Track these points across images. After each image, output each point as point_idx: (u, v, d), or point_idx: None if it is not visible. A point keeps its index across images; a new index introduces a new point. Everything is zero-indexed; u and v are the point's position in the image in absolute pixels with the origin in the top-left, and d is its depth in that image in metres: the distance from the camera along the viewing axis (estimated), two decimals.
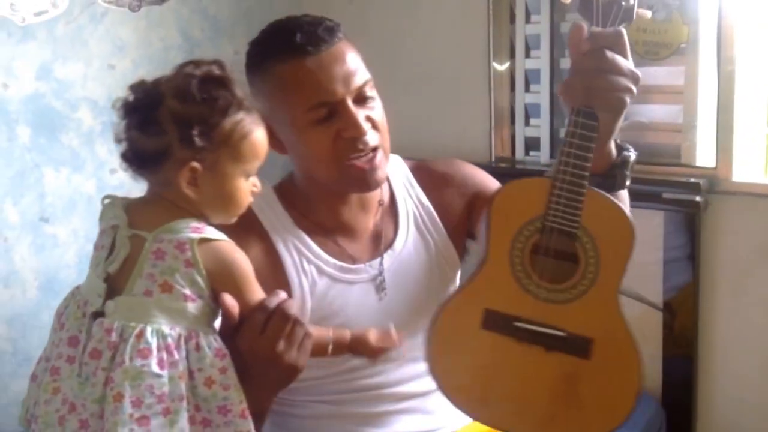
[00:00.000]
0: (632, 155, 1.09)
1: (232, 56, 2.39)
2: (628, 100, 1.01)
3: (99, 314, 0.99)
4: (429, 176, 1.36)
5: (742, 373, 2.00)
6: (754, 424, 1.99)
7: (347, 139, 1.15)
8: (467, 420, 1.33)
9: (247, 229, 1.21)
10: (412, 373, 1.24)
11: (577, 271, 0.99)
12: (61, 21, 1.96)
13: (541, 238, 1.02)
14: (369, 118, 1.16)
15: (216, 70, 1.00)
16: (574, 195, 1.01)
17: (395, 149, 1.40)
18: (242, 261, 1.03)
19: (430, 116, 2.42)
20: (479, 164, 1.89)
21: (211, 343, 0.99)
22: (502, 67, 2.30)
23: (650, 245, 1.98)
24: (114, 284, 1.00)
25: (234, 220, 1.07)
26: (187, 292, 0.99)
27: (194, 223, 1.01)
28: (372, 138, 1.16)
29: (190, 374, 0.97)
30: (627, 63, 1.01)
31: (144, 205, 1.05)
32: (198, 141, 0.97)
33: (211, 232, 1.02)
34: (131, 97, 1.00)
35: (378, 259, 1.25)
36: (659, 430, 1.98)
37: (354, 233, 1.27)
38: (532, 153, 2.30)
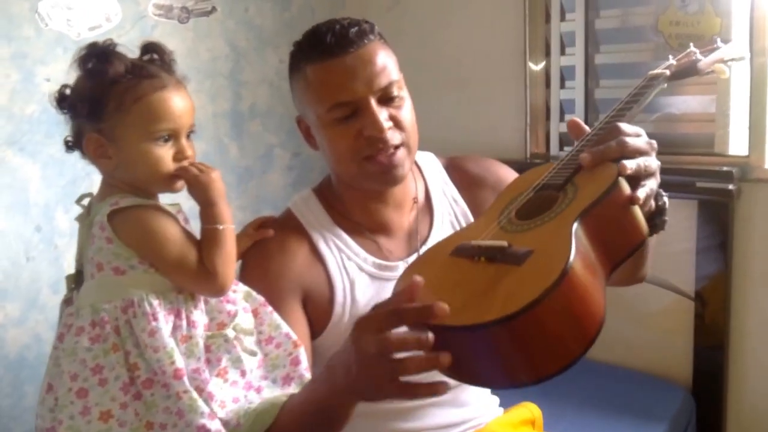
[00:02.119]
0: (666, 200, 1.09)
1: (278, 65, 2.46)
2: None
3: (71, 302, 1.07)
4: (463, 176, 1.38)
5: None
6: None
7: (368, 137, 1.17)
8: (498, 412, 1.35)
9: (289, 230, 1.26)
10: None
11: (550, 210, 0.98)
12: (113, 35, 2.01)
13: (533, 194, 1.04)
14: (392, 117, 1.19)
15: (100, 47, 1.06)
16: (574, 163, 1.03)
17: (433, 146, 1.43)
18: (154, 223, 1.04)
19: (467, 114, 2.43)
20: (515, 160, 1.93)
21: (145, 309, 1.01)
22: (537, 67, 2.31)
23: (682, 234, 1.97)
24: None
25: (174, 188, 1.08)
26: (115, 265, 1.03)
27: (114, 199, 1.04)
28: (393, 137, 1.19)
29: (137, 340, 1.01)
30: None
31: (97, 193, 1.11)
32: (91, 113, 1.02)
33: (126, 202, 1.04)
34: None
35: (414, 255, 1.26)
36: (689, 419, 1.96)
37: (390, 231, 1.29)
38: (566, 148, 2.30)
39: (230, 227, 1.08)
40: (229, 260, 1.06)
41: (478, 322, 0.82)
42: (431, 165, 1.39)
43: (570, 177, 1.01)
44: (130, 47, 1.10)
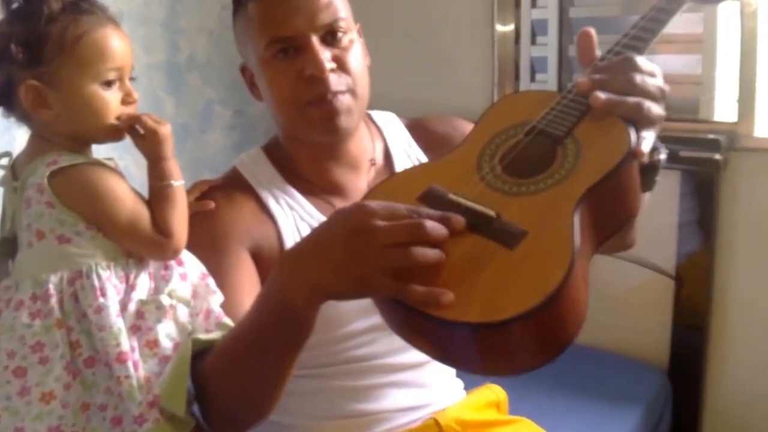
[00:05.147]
0: (663, 157, 1.02)
1: (219, 11, 2.34)
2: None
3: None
4: (427, 135, 1.34)
5: (756, 344, 1.93)
6: (766, 398, 1.93)
7: (308, 78, 1.12)
8: (461, 395, 1.32)
9: (235, 187, 1.21)
10: (404, 343, 1.16)
11: (545, 171, 0.88)
12: None
13: (524, 138, 0.94)
14: (336, 59, 1.13)
15: None
16: (578, 105, 0.94)
17: (398, 105, 1.39)
18: (102, 183, 0.99)
19: (433, 73, 2.39)
20: None
21: (93, 282, 0.97)
22: (506, 25, 2.23)
23: (663, 208, 1.91)
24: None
25: (117, 137, 1.03)
26: (59, 233, 0.98)
27: (51, 158, 0.98)
28: (338, 82, 1.13)
29: (85, 314, 0.96)
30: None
31: (24, 151, 1.04)
32: (28, 57, 0.96)
33: (65, 160, 0.98)
34: None
35: None
36: (665, 402, 1.94)
37: (345, 193, 1.24)
38: None
39: (182, 184, 1.04)
40: (183, 219, 1.03)
41: (453, 319, 0.76)
42: (392, 125, 1.34)
43: (572, 127, 0.92)
44: None
